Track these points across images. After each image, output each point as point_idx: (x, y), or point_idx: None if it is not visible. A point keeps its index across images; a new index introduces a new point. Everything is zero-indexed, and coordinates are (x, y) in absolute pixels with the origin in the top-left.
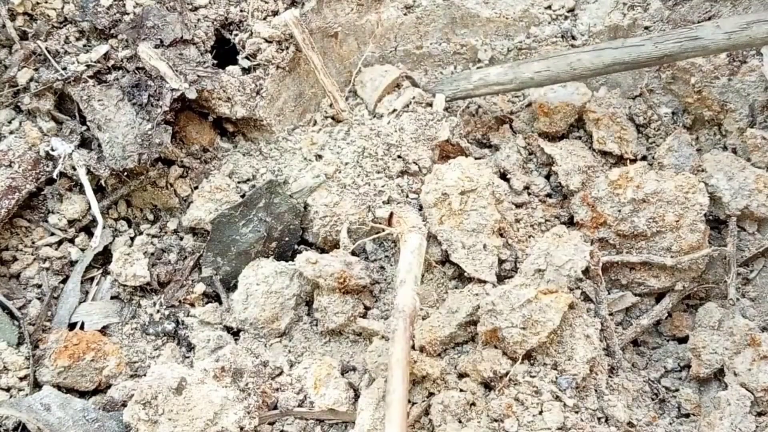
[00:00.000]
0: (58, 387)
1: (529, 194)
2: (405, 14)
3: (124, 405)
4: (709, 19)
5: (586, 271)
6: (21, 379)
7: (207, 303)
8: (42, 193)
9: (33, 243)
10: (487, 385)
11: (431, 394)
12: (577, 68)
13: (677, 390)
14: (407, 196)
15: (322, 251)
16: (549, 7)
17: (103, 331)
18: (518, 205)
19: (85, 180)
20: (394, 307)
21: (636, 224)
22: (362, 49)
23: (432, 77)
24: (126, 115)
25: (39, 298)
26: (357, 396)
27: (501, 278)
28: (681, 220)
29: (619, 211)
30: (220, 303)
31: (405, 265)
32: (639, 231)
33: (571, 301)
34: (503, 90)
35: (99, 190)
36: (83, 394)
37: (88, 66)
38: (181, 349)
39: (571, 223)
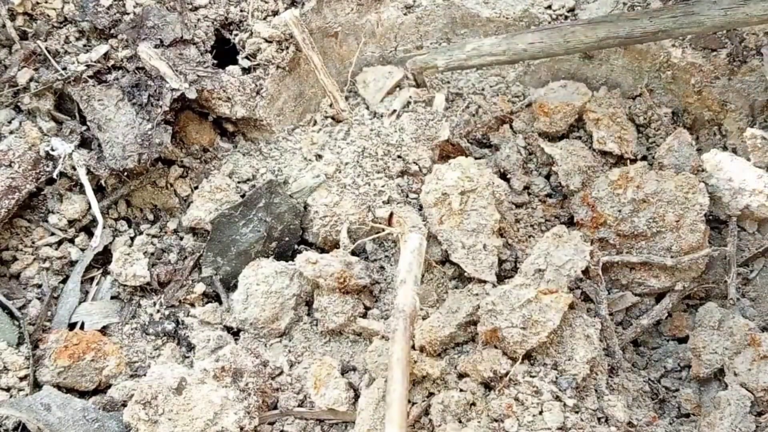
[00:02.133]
0: (58, 387)
1: (529, 194)
2: (405, 14)
3: (124, 405)
4: None
5: (586, 271)
6: (21, 379)
7: (207, 303)
8: (42, 193)
9: (33, 243)
10: (487, 385)
11: (431, 394)
12: (571, 41)
13: (677, 390)
14: (407, 196)
15: (322, 251)
16: (549, 7)
17: (103, 331)
18: (518, 205)
19: (85, 180)
20: (394, 307)
21: (636, 224)
22: (363, 50)
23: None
24: (126, 115)
25: (39, 298)
26: (357, 396)
27: (501, 278)
28: (681, 220)
29: (620, 211)
30: (220, 303)
31: (405, 265)
32: (639, 231)
33: (572, 301)
34: (496, 62)
35: (99, 190)
36: (83, 394)
37: (88, 66)
38: (181, 349)
39: (571, 223)
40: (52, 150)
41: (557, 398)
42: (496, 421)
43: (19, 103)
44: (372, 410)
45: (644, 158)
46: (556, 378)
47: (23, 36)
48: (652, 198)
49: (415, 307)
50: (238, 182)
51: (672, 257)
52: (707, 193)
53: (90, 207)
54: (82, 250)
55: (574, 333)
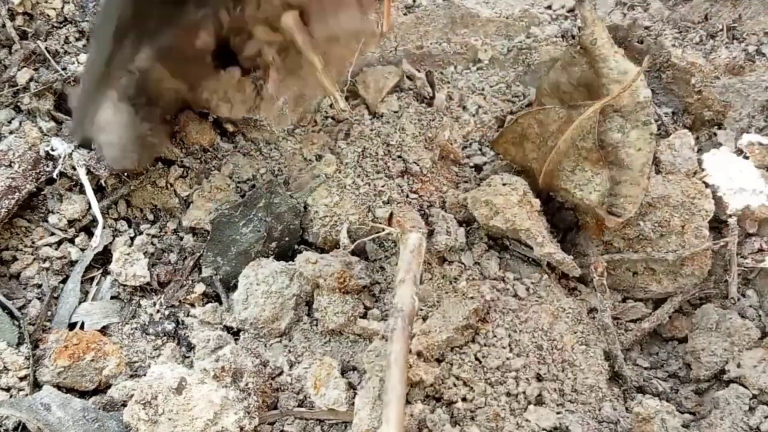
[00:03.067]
0: (58, 387)
1: None
2: (405, 14)
3: (124, 405)
4: (706, 18)
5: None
6: (21, 379)
7: (207, 303)
8: (42, 193)
9: (33, 243)
10: (487, 386)
11: (428, 396)
12: None
13: (677, 390)
14: (407, 196)
15: (322, 251)
16: (549, 7)
17: (103, 331)
18: None
19: (85, 180)
20: (393, 307)
21: (642, 228)
22: (363, 50)
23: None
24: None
25: (39, 298)
26: None
27: None
28: (686, 225)
29: None
30: (220, 303)
31: (404, 265)
32: (645, 235)
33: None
34: None
35: (99, 190)
36: (83, 394)
37: None
38: (181, 349)
39: (576, 226)
40: (52, 150)
41: (557, 399)
42: (495, 422)
43: (19, 103)
44: (369, 410)
45: None
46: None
47: (23, 36)
48: (659, 203)
49: (414, 306)
50: (238, 182)
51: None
52: (712, 199)
53: (90, 207)
54: (82, 250)
55: (577, 341)
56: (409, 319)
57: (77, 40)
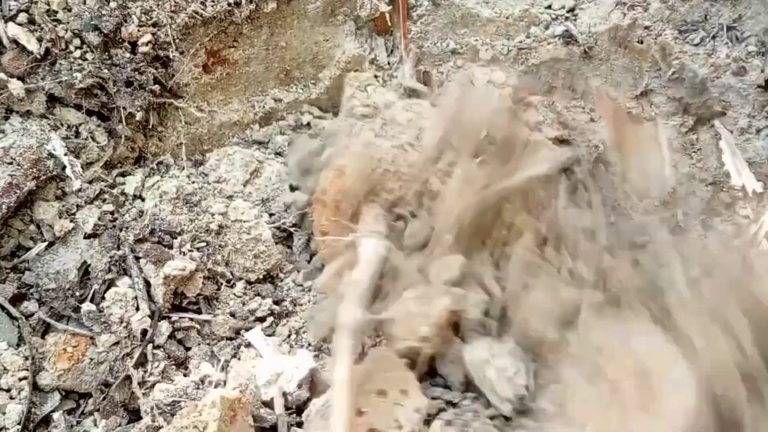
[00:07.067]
0: (59, 389)
1: None
2: None
3: (125, 406)
4: (706, 18)
5: None
6: (20, 379)
7: None
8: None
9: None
10: None
11: None
12: None
13: None
14: None
15: None
16: (549, 7)
17: None
18: None
19: None
20: (336, 323)
21: None
22: None
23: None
24: None
25: (37, 299)
26: None
27: None
28: None
29: None
30: None
31: (356, 275)
32: None
33: None
34: None
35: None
36: (84, 396)
37: None
38: None
39: None
40: (53, 150)
41: None
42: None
43: (19, 103)
44: None
45: None
46: None
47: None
48: None
49: (357, 321)
50: None
51: None
52: None
53: None
54: None
55: None
56: (354, 334)
57: (77, 48)
